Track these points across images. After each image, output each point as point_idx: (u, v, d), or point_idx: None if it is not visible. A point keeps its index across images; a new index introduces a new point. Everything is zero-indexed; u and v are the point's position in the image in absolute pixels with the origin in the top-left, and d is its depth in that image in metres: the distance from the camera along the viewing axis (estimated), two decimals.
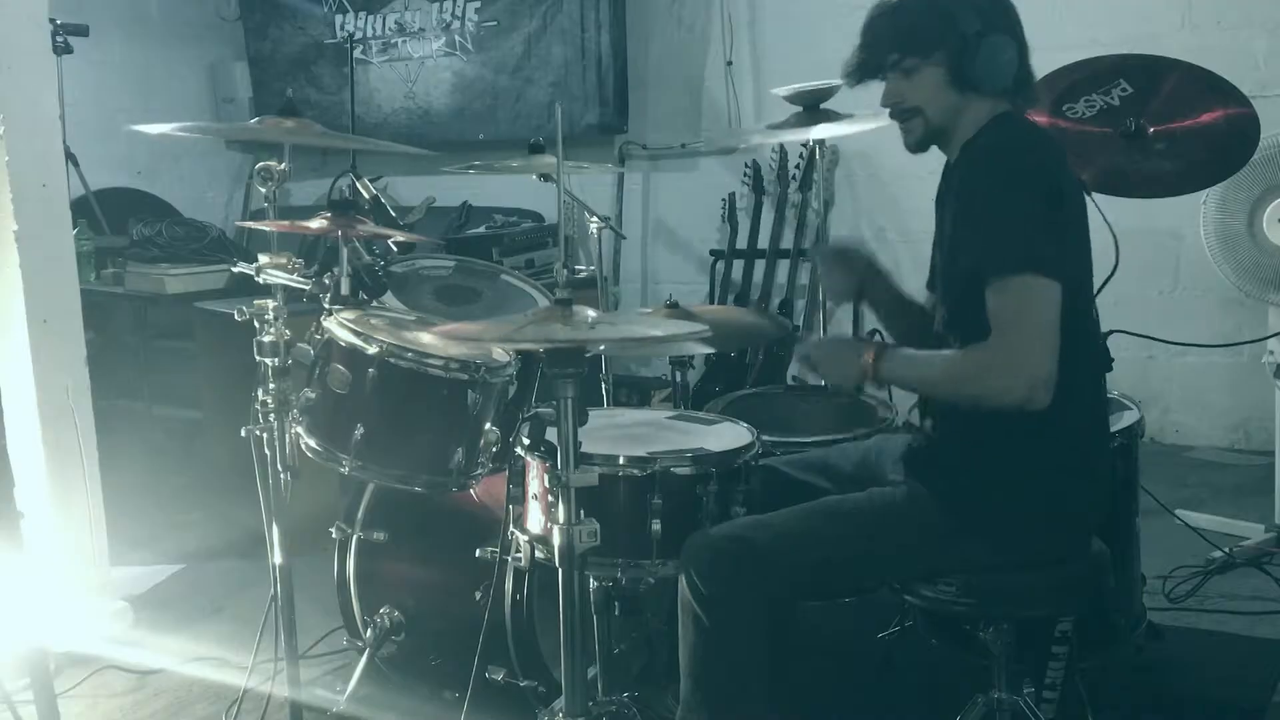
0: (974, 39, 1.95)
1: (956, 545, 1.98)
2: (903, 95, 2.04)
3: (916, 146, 2.08)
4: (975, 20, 1.96)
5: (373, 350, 2.28)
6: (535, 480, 2.12)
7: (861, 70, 2.07)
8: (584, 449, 1.90)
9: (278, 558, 2.44)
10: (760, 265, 5.33)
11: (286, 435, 2.36)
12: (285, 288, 2.37)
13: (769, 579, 1.97)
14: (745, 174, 5.39)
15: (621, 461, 2.15)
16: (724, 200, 5.44)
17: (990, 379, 1.85)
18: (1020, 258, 1.83)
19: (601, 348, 2.60)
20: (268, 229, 2.49)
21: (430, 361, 2.30)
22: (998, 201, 1.89)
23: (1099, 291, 2.15)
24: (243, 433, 2.38)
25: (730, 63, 5.47)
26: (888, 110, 2.09)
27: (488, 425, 2.37)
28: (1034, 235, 1.85)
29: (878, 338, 2.19)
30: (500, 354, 2.41)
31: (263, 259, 2.37)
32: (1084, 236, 2.02)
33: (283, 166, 2.44)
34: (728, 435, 2.34)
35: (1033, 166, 1.94)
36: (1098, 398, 2.12)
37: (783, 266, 5.32)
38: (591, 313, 1.95)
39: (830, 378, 2.12)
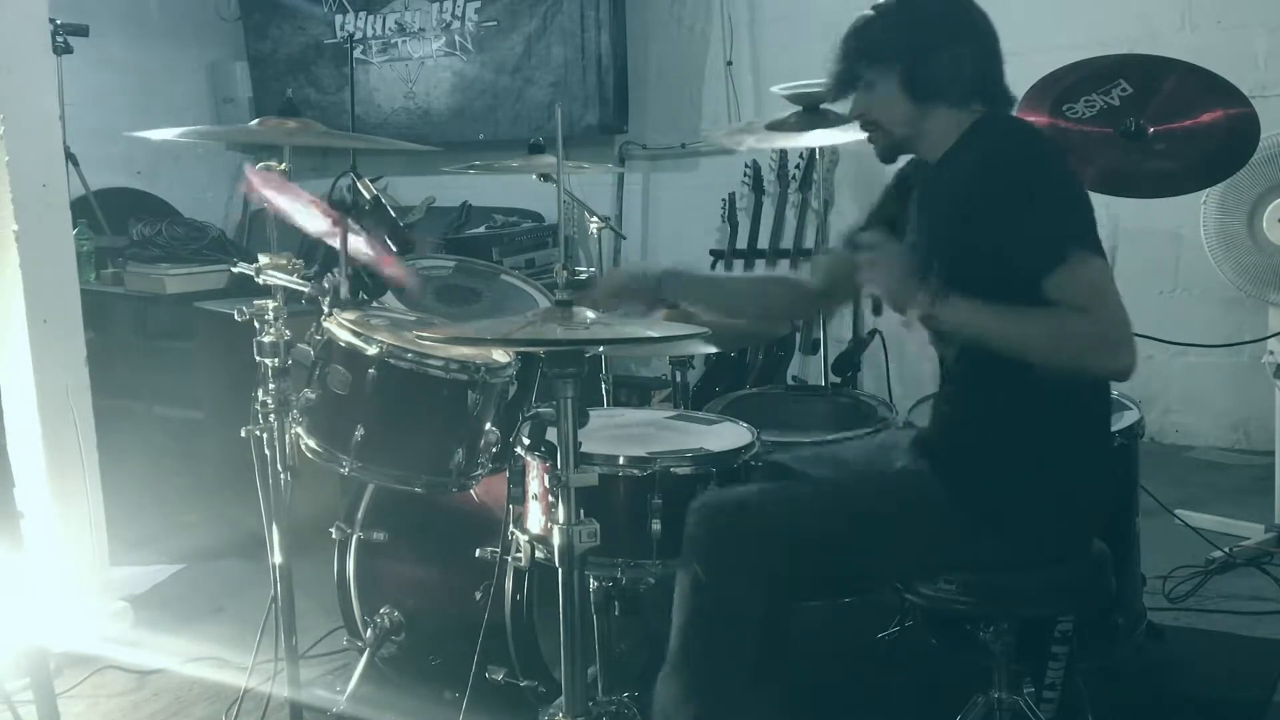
0: (927, 52, 1.99)
1: (960, 530, 1.97)
2: (865, 108, 2.08)
3: (883, 157, 2.12)
4: (934, 33, 2.00)
5: (372, 351, 2.28)
6: (535, 480, 2.12)
7: (835, 86, 2.10)
8: (584, 449, 1.90)
9: (278, 558, 2.44)
10: (760, 265, 5.33)
11: (286, 435, 2.36)
12: (285, 288, 2.36)
13: (772, 539, 1.96)
14: (745, 174, 5.38)
15: (621, 461, 2.16)
16: (724, 200, 5.43)
17: (1098, 351, 1.84)
18: (1072, 239, 1.85)
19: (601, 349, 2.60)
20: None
21: (430, 362, 2.29)
22: (1031, 198, 1.89)
23: None
24: (243, 433, 2.38)
25: (730, 63, 5.47)
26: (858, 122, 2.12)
27: (488, 425, 2.37)
28: (1073, 218, 1.88)
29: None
30: (500, 354, 2.41)
31: (263, 259, 2.37)
32: None
33: (283, 166, 2.44)
34: (728, 435, 2.35)
35: (1047, 155, 1.99)
36: (1103, 392, 2.13)
37: (782, 267, 5.31)
38: (591, 313, 1.95)
39: (888, 289, 1.96)
